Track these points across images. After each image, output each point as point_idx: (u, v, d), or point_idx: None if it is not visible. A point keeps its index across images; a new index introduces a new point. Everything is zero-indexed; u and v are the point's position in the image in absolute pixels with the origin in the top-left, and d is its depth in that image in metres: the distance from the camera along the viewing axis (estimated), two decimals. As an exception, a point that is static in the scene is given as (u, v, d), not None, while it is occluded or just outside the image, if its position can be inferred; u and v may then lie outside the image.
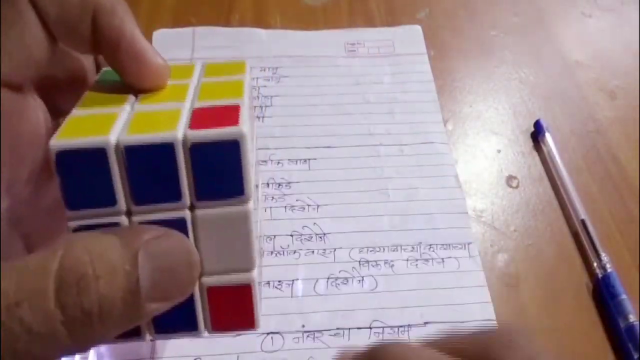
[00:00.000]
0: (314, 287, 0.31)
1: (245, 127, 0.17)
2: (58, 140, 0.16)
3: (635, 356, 0.29)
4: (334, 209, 0.34)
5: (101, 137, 0.16)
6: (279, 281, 0.31)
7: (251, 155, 0.18)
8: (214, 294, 0.18)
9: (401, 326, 0.30)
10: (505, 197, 0.36)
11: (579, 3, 0.49)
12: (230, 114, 0.17)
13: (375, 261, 0.32)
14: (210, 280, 0.18)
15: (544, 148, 0.38)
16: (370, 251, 0.32)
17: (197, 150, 0.16)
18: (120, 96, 0.19)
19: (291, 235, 0.33)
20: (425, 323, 0.30)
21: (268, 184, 0.35)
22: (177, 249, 0.17)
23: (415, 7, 0.47)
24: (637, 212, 0.36)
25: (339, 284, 0.31)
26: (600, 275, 0.32)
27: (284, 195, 0.34)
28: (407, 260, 0.32)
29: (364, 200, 0.35)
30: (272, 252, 0.32)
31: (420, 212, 0.34)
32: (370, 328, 0.30)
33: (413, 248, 0.33)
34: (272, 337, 0.29)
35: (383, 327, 0.30)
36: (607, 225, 0.35)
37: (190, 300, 0.18)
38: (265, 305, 0.30)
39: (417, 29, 0.45)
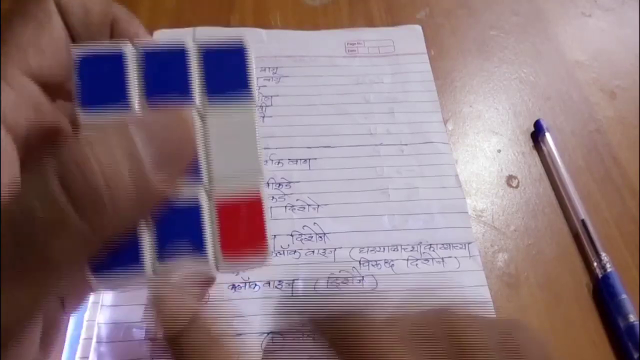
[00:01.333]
0: (315, 286, 0.31)
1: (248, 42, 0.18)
2: (80, 47, 0.17)
3: (635, 356, 0.29)
4: (334, 209, 0.34)
5: (120, 44, 0.18)
6: (280, 281, 0.31)
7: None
8: (224, 210, 0.18)
9: (401, 326, 0.30)
10: (505, 197, 0.36)
11: (579, 3, 0.49)
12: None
13: (376, 261, 0.32)
14: (219, 192, 0.18)
15: (544, 148, 0.38)
16: (371, 251, 0.32)
17: (209, 55, 0.18)
18: None
19: (291, 235, 0.33)
20: (426, 323, 0.30)
21: (268, 184, 0.35)
22: (168, 114, 0.17)
23: (415, 7, 0.47)
24: (637, 212, 0.36)
25: (339, 284, 0.31)
26: (600, 275, 0.32)
27: (284, 195, 0.34)
28: (407, 260, 0.32)
29: (364, 200, 0.35)
30: (272, 252, 0.32)
31: (420, 212, 0.34)
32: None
33: (413, 248, 0.33)
34: (272, 337, 0.29)
35: (383, 327, 0.30)
36: (607, 225, 0.35)
37: (197, 216, 0.17)
38: (266, 305, 0.30)
39: (417, 28, 0.45)
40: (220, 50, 0.18)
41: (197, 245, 0.17)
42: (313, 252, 0.32)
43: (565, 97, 0.42)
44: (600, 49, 0.45)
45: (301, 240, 0.33)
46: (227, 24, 0.44)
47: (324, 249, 0.32)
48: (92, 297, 0.29)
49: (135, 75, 0.17)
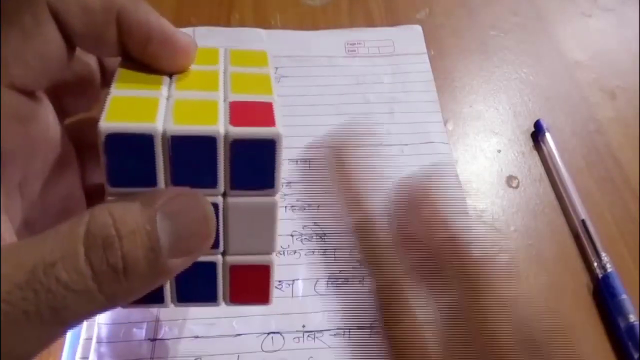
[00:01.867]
0: (314, 287, 0.31)
1: (281, 127, 0.18)
2: (107, 122, 0.17)
3: (635, 356, 0.29)
4: (334, 209, 0.34)
5: (149, 124, 0.17)
6: (280, 281, 0.31)
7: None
8: (235, 271, 0.20)
9: (401, 326, 0.30)
10: (505, 197, 0.36)
11: (579, 3, 0.49)
12: (265, 112, 0.18)
13: (376, 261, 0.32)
14: (233, 259, 0.19)
15: (544, 148, 0.38)
16: (371, 251, 0.32)
17: (237, 146, 0.17)
18: (154, 76, 0.19)
19: (291, 235, 0.33)
20: (426, 323, 0.30)
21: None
22: (193, 206, 0.17)
23: (415, 7, 0.47)
24: (637, 212, 0.36)
25: (339, 284, 0.31)
26: (600, 275, 0.32)
27: (285, 195, 0.34)
28: (408, 260, 0.32)
29: (364, 200, 0.34)
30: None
31: (420, 212, 0.34)
32: (371, 328, 0.30)
33: (413, 248, 0.33)
34: (272, 337, 0.29)
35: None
36: (607, 225, 0.35)
37: (213, 274, 0.19)
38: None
39: (417, 28, 0.45)
40: (250, 140, 0.17)
41: (210, 294, 0.20)
42: (313, 252, 0.32)
43: (565, 97, 0.42)
44: (600, 49, 0.45)
45: (301, 240, 0.33)
46: (227, 24, 0.44)
47: (324, 249, 0.32)
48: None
49: (161, 157, 0.17)
